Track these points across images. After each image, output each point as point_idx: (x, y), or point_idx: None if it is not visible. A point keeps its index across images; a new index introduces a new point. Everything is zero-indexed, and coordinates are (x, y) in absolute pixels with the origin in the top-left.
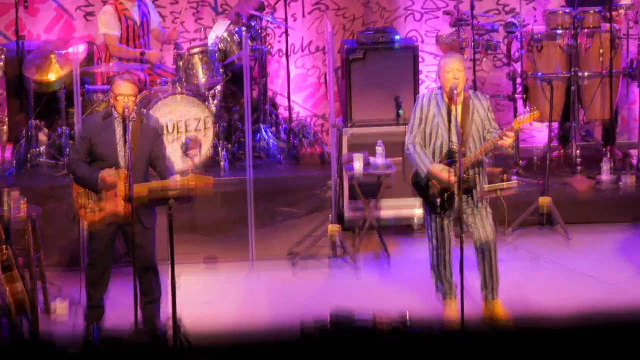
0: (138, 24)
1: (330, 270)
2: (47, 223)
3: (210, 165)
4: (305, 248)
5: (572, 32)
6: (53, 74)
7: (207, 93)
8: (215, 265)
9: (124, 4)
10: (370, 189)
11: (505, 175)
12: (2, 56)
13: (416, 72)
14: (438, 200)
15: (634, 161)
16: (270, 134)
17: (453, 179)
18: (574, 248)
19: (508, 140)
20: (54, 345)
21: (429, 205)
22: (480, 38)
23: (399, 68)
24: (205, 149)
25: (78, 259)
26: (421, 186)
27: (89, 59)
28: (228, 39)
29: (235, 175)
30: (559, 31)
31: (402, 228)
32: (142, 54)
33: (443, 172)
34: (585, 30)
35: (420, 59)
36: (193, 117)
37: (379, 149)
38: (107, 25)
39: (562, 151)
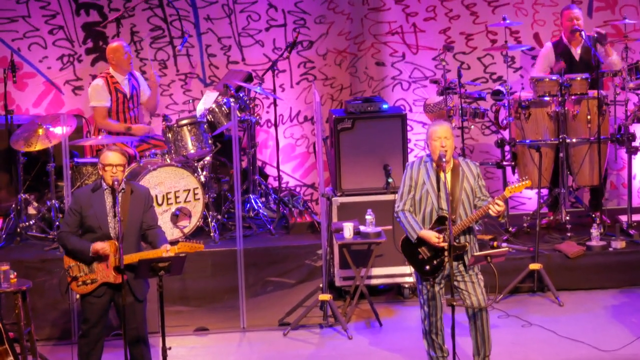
0: (128, 96)
1: (322, 339)
2: (37, 296)
3: (200, 235)
4: (296, 317)
5: (560, 98)
6: (41, 147)
7: (196, 164)
8: (206, 336)
9: (114, 77)
10: (361, 257)
11: (495, 242)
12: None
13: (405, 140)
14: (428, 266)
15: (624, 227)
16: (260, 204)
17: (443, 244)
18: (566, 314)
19: (499, 209)
20: None
21: (418, 271)
22: (467, 106)
23: (388, 136)
24: (195, 220)
25: (70, 332)
26: (411, 252)
27: (78, 132)
28: (216, 110)
29: (225, 245)
30: (547, 98)
31: (394, 295)
32: (129, 128)
33: (433, 237)
34: (573, 96)
35: (408, 127)
36: (182, 188)
37: (369, 218)
38: (96, 97)
39: (551, 217)
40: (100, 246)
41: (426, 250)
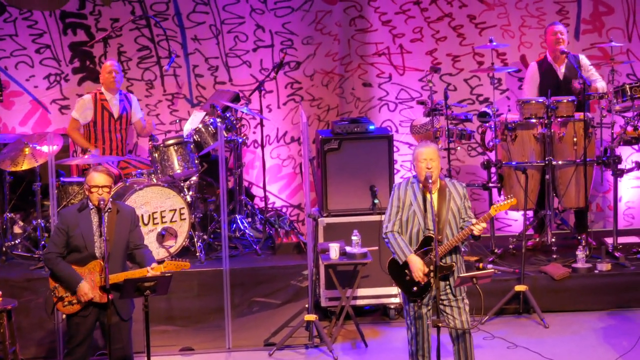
0: (115, 116)
1: None
2: (23, 315)
3: (186, 255)
4: (282, 338)
5: (546, 121)
6: (27, 166)
7: (182, 184)
8: (192, 356)
9: (104, 94)
10: (347, 278)
11: (481, 264)
12: None
13: (391, 161)
14: (415, 287)
15: (610, 249)
16: (246, 225)
17: (425, 278)
18: (551, 336)
19: (483, 226)
20: None
21: (405, 293)
22: (454, 127)
23: (374, 157)
24: (181, 240)
25: (55, 352)
26: (398, 274)
27: (64, 151)
28: (203, 130)
29: (211, 265)
30: (533, 120)
31: (379, 316)
32: (88, 151)
33: (418, 272)
34: (559, 119)
35: (395, 149)
36: (169, 208)
37: (355, 238)
38: (77, 110)
39: (537, 239)
40: (85, 290)
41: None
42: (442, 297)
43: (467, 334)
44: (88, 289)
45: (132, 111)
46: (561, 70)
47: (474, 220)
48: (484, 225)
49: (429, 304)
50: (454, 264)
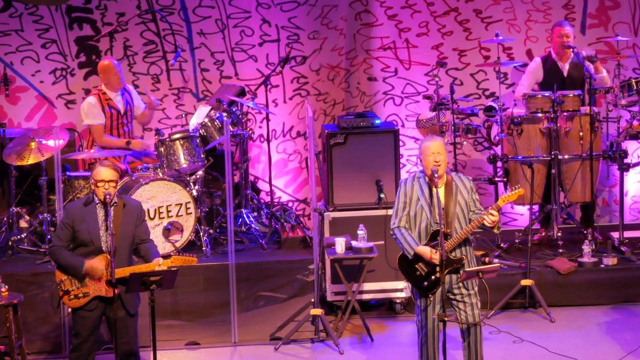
0: (122, 112)
1: (313, 354)
2: (29, 310)
3: (192, 250)
4: (288, 332)
5: (552, 115)
6: (33, 160)
7: (188, 178)
8: (197, 350)
9: (107, 93)
10: (353, 272)
11: (487, 258)
12: None
13: (397, 155)
14: (426, 282)
15: (616, 243)
16: (252, 219)
17: (437, 257)
18: (557, 330)
19: (493, 219)
20: None
21: (417, 288)
22: (460, 122)
23: (380, 152)
24: (187, 234)
25: (61, 346)
26: (408, 269)
27: (70, 146)
28: (209, 124)
29: (217, 260)
30: (539, 114)
31: (385, 311)
32: (128, 142)
33: (428, 253)
34: (565, 113)
35: (401, 143)
36: (175, 202)
37: (361, 233)
38: (90, 115)
39: (543, 234)
40: (95, 266)
41: (423, 266)
42: (455, 292)
43: (478, 328)
44: (96, 265)
45: (134, 104)
46: (565, 68)
47: (484, 211)
48: (495, 215)
49: (442, 302)
50: (464, 256)
